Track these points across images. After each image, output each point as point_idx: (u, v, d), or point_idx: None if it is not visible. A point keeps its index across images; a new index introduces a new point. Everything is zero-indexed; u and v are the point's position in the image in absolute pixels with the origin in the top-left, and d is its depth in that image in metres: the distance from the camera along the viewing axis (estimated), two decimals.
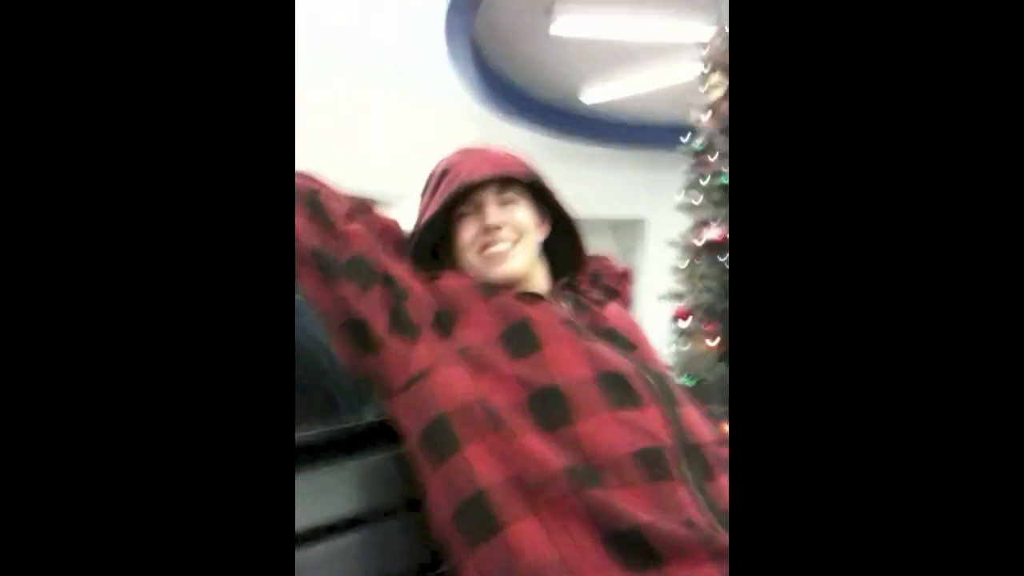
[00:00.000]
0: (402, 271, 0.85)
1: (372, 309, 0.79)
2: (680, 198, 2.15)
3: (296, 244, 0.79)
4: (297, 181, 0.83)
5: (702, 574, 0.64)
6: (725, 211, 1.91)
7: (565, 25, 3.63)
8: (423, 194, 0.94)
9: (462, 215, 0.90)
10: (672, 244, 2.13)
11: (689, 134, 2.17)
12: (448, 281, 0.87)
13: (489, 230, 0.87)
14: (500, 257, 0.87)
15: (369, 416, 0.87)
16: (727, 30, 2.19)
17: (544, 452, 0.71)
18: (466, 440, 0.74)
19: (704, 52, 2.29)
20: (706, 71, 2.19)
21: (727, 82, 2.03)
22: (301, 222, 0.80)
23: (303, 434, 0.84)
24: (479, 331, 0.81)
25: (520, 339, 0.79)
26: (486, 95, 4.33)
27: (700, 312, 1.93)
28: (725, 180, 1.91)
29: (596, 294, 1.02)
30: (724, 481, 0.75)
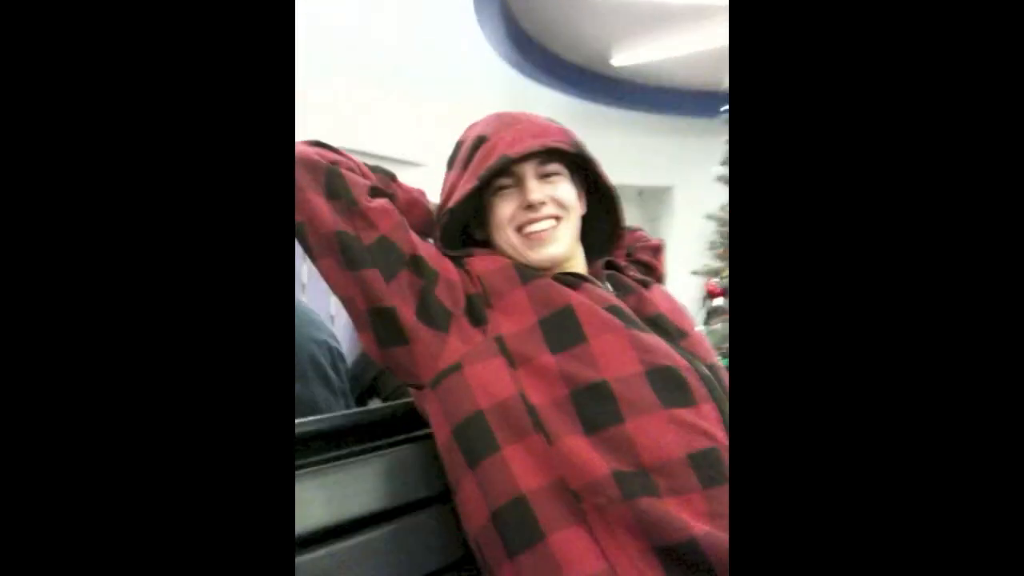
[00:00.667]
0: (431, 251, 0.78)
1: (399, 296, 0.72)
2: (717, 169, 2.05)
3: (319, 227, 0.73)
4: (314, 154, 0.76)
5: None
6: None
7: None
8: (452, 163, 0.87)
9: (500, 189, 0.82)
10: (709, 217, 2.03)
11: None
12: (481, 262, 0.80)
13: (531, 206, 0.80)
14: (542, 239, 0.81)
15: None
16: None
17: (590, 455, 0.66)
18: (505, 440, 0.68)
19: None
20: None
21: None
22: (320, 202, 0.73)
23: (320, 418, 0.80)
24: (517, 319, 0.74)
25: (563, 329, 0.73)
26: (515, 57, 4.21)
27: None
28: None
29: (635, 272, 0.96)
30: None
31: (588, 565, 0.62)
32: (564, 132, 0.85)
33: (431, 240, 0.86)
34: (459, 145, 0.87)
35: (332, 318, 1.52)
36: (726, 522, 0.64)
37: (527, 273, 0.78)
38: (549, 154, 0.82)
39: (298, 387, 1.00)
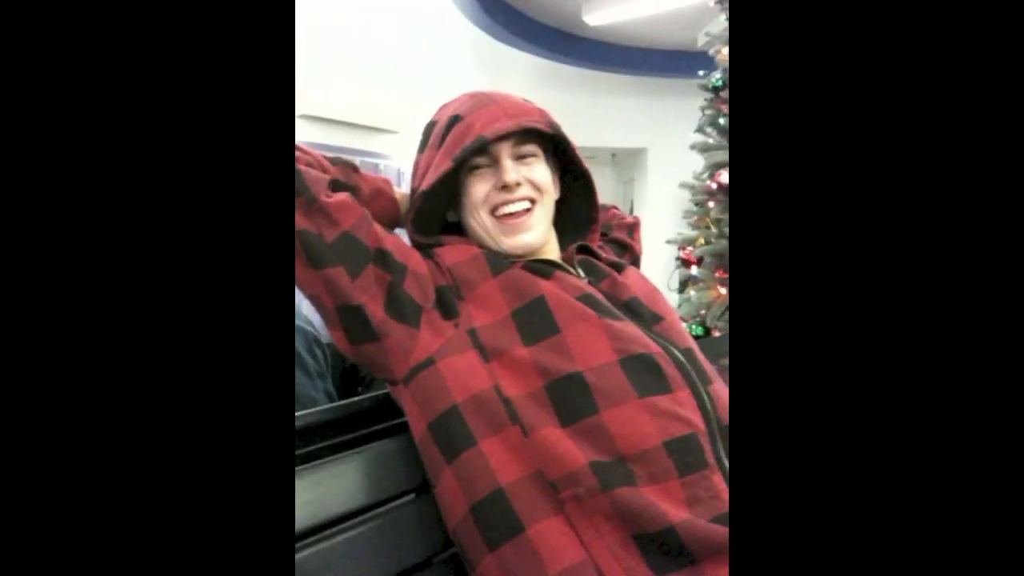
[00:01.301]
0: (397, 243, 0.76)
1: (366, 293, 0.71)
2: (694, 136, 2.04)
3: None
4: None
5: None
6: None
7: None
8: (425, 145, 0.85)
9: (475, 168, 0.81)
10: (683, 185, 2.03)
11: (708, 72, 2.03)
12: (451, 252, 0.79)
13: (506, 187, 0.79)
14: (517, 226, 0.80)
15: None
16: None
17: (567, 446, 0.66)
18: (481, 434, 0.68)
19: None
20: None
21: None
22: None
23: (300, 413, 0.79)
24: (489, 311, 0.73)
25: (535, 320, 0.72)
26: (485, 20, 4.11)
27: (713, 259, 1.86)
28: None
29: (610, 255, 0.96)
30: None
31: (568, 555, 0.63)
32: (540, 113, 0.84)
33: (399, 229, 0.84)
34: (431, 125, 0.85)
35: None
36: (704, 508, 0.65)
37: (498, 264, 0.77)
38: (525, 135, 0.81)
39: None
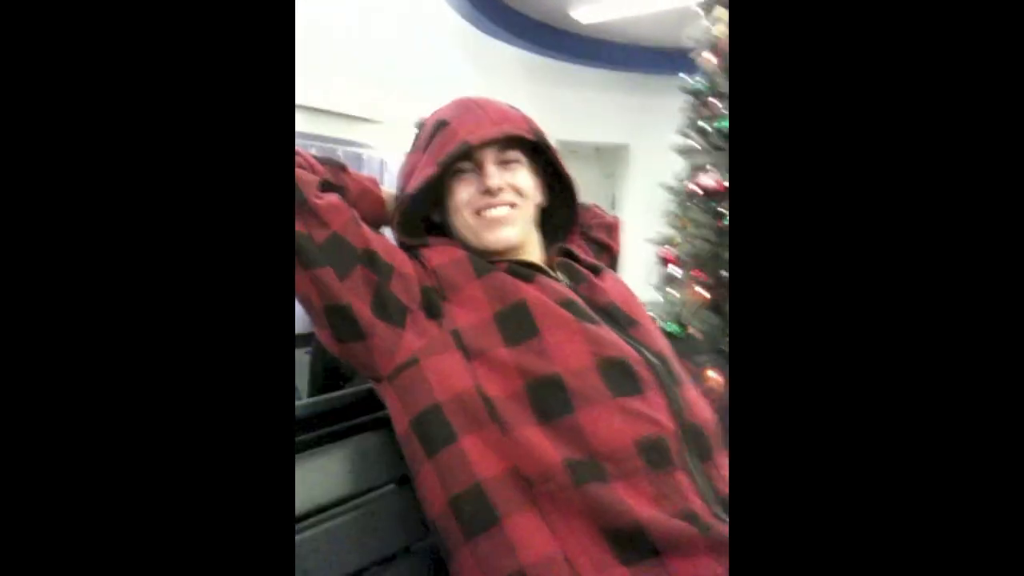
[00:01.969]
0: (384, 244, 0.78)
1: (354, 293, 0.74)
2: (676, 139, 2.08)
3: None
4: None
5: (701, 566, 0.64)
6: (724, 157, 1.84)
7: None
8: (412, 147, 0.87)
9: (459, 172, 0.83)
10: (663, 186, 2.06)
11: (690, 73, 2.06)
12: (437, 254, 0.82)
13: (489, 192, 0.82)
14: (498, 221, 0.82)
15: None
16: None
17: (543, 444, 0.69)
18: (462, 431, 0.71)
19: None
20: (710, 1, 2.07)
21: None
22: None
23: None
24: (472, 312, 0.76)
25: (516, 323, 0.75)
26: (474, 14, 4.11)
27: (690, 259, 1.90)
28: (726, 124, 1.83)
29: (589, 255, 0.99)
30: (724, 462, 0.75)
31: (541, 547, 0.66)
32: (525, 120, 0.86)
33: (386, 229, 0.87)
34: (420, 127, 0.88)
35: None
36: (669, 505, 0.68)
37: (481, 267, 0.80)
38: (509, 141, 0.83)
39: None
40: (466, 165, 0.83)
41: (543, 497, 0.68)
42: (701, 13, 2.04)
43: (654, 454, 0.70)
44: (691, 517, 0.67)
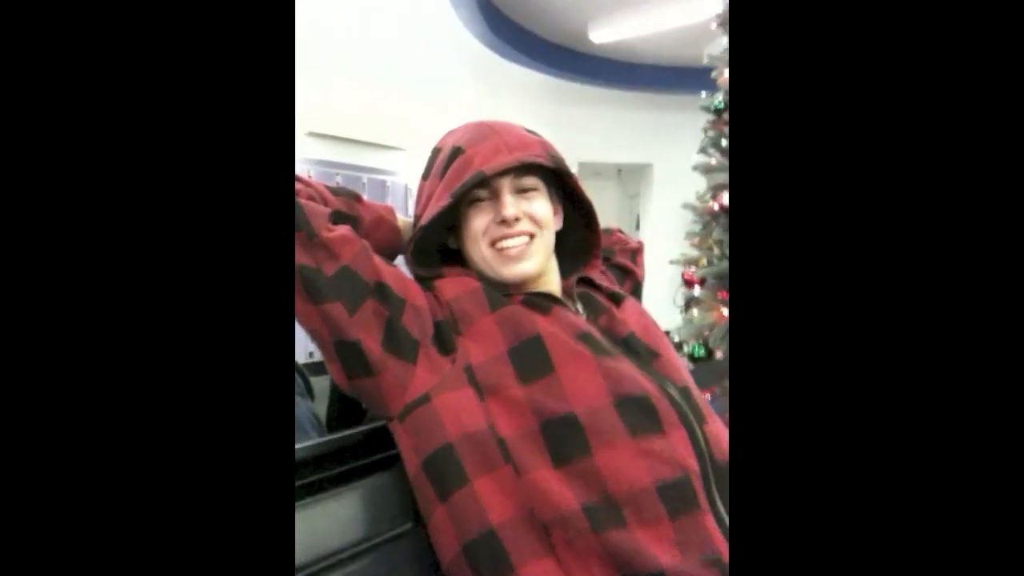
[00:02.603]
0: (396, 276, 0.76)
1: (364, 328, 0.71)
2: (696, 157, 2.05)
3: None
4: None
5: None
6: None
7: None
8: (428, 173, 0.85)
9: (474, 201, 0.81)
10: (686, 206, 2.03)
11: (710, 92, 2.03)
12: (451, 285, 0.79)
13: (505, 222, 0.79)
14: (515, 255, 0.79)
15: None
16: None
17: (559, 488, 0.66)
18: (475, 473, 0.68)
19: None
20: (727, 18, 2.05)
21: None
22: None
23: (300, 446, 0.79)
24: (486, 347, 0.73)
25: (531, 359, 0.72)
26: (491, 36, 4.14)
27: (714, 279, 1.86)
28: None
29: (612, 281, 0.96)
30: None
31: None
32: (543, 145, 0.84)
33: (401, 257, 0.85)
34: (436, 153, 0.85)
35: None
36: (695, 552, 0.64)
37: (496, 299, 0.77)
38: (526, 168, 0.81)
39: None
40: (482, 193, 0.80)
41: (560, 544, 0.64)
42: (720, 30, 2.02)
43: (677, 499, 0.66)
44: (716, 562, 0.63)
